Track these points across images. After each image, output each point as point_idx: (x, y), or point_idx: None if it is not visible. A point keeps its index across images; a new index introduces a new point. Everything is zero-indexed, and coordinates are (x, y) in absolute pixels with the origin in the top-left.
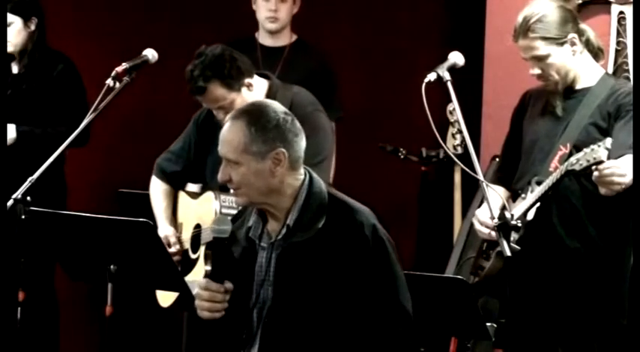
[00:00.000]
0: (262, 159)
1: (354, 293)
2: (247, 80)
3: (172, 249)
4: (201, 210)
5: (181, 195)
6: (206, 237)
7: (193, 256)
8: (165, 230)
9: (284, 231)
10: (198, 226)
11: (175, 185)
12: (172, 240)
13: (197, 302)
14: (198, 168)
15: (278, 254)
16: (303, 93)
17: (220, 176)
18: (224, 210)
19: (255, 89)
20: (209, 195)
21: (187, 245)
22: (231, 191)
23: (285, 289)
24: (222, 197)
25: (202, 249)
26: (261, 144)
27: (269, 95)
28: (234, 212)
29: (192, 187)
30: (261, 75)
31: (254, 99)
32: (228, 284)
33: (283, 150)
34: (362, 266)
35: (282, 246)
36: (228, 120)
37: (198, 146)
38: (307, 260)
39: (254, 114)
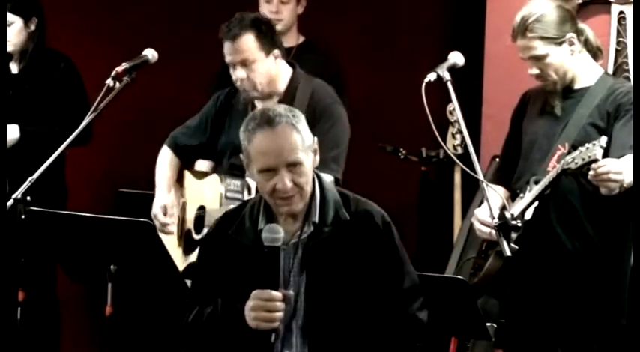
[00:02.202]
0: (310, 152)
1: (376, 277)
2: (277, 51)
3: (167, 220)
4: (206, 192)
5: (186, 174)
6: (209, 219)
7: (197, 237)
8: (163, 198)
9: (309, 229)
10: (202, 208)
11: (184, 159)
12: (170, 211)
13: (256, 314)
14: (211, 146)
15: (303, 252)
16: (323, 85)
17: (286, 185)
18: (229, 195)
19: (281, 69)
20: (214, 177)
21: (191, 225)
22: (278, 201)
23: (318, 287)
24: (228, 180)
25: (206, 231)
26: (307, 138)
27: (292, 82)
28: (239, 196)
29: (202, 165)
30: (287, 62)
31: (274, 71)
32: (289, 292)
33: (315, 138)
34: (378, 252)
35: (308, 244)
36: (258, 132)
37: (214, 124)
38: (333, 254)
39: (290, 113)
